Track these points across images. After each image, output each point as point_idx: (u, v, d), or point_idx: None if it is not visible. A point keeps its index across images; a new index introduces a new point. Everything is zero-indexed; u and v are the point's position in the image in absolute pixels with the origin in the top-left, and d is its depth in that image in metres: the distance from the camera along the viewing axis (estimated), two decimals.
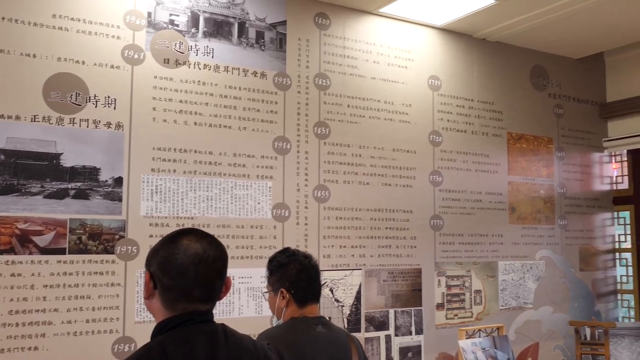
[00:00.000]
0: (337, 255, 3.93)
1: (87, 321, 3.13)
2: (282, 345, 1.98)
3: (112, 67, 3.31)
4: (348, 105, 4.09)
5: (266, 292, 2.35)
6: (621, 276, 5.39)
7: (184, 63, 3.54)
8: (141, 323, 3.24)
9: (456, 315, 4.41)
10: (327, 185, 3.94)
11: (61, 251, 3.10)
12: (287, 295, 2.24)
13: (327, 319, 2.36)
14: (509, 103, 4.88)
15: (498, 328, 3.40)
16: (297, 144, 3.86)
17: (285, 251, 2.36)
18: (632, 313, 5.32)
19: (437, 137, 4.45)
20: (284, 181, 3.78)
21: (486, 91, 4.77)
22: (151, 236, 3.31)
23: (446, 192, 4.44)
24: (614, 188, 5.48)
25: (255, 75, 3.76)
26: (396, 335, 4.11)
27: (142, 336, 3.15)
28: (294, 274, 2.25)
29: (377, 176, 4.15)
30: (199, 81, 3.57)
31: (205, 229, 3.40)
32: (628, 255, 5.36)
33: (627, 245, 5.39)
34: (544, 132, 5.07)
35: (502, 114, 4.82)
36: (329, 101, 4.01)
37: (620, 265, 5.40)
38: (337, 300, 3.89)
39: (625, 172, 5.45)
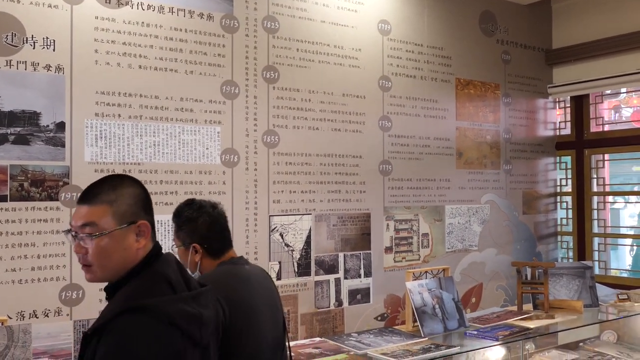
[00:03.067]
0: (287, 200, 3.94)
1: (33, 269, 3.07)
2: (221, 292, 1.96)
3: (49, 6, 3.16)
4: (297, 49, 4.03)
5: (175, 247, 2.26)
6: (561, 219, 5.60)
7: (127, 3, 3.40)
8: None
9: (404, 258, 4.51)
10: (277, 130, 3.92)
11: (2, 198, 3.00)
12: (200, 250, 2.19)
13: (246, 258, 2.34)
14: (458, 49, 4.90)
15: (444, 270, 3.49)
16: (245, 89, 3.80)
17: (192, 204, 2.25)
18: (571, 254, 5.56)
19: (386, 82, 4.45)
20: (232, 126, 3.74)
21: (436, 36, 4.77)
22: None
23: (395, 138, 4.48)
24: (557, 134, 5.62)
25: (201, 17, 3.65)
26: (345, 278, 4.19)
27: (90, 284, 3.10)
28: (204, 228, 2.19)
29: (327, 121, 4.14)
30: (143, 22, 3.44)
31: (153, 175, 3.42)
32: (568, 198, 5.56)
33: (568, 189, 5.58)
34: (491, 78, 5.12)
35: (451, 60, 4.84)
36: (278, 45, 3.94)
37: (561, 209, 5.60)
38: (287, 245, 3.92)
39: (568, 118, 5.60)
